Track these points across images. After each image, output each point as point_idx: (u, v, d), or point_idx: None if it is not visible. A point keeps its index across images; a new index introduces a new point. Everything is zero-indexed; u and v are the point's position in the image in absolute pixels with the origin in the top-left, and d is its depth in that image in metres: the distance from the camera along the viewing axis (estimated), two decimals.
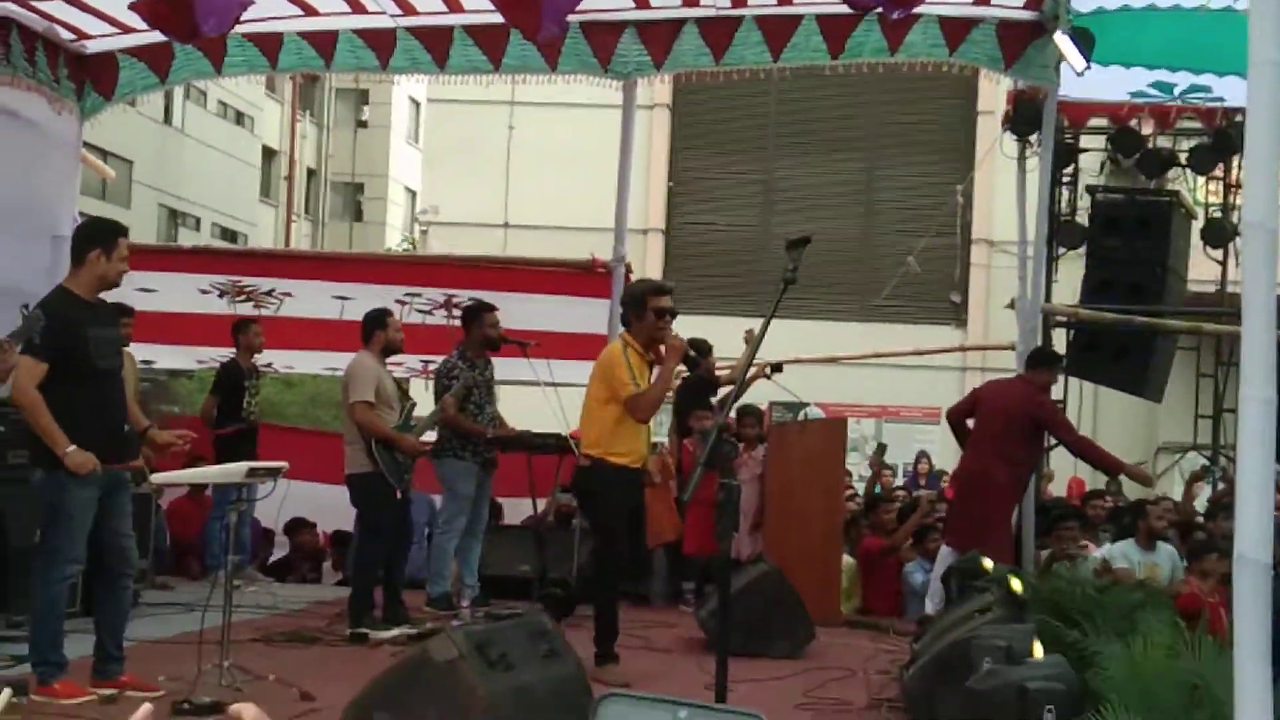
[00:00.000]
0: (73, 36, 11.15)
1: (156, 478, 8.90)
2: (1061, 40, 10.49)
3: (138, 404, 8.85)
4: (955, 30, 10.94)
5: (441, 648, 5.55)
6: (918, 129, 26.90)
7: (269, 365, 13.63)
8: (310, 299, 13.28)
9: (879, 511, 12.62)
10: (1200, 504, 14.02)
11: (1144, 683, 5.73)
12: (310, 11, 10.94)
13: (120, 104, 11.93)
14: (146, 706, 1.33)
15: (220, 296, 12.98)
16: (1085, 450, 10.85)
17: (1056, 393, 13.61)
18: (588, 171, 21.89)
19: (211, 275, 13.07)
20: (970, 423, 10.78)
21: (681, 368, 12.47)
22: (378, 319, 9.74)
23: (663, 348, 8.28)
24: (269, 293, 12.80)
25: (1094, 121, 14.15)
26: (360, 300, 10.68)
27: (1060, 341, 13.93)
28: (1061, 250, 14.21)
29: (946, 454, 23.70)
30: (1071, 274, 14.28)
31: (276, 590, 11.53)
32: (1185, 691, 5.72)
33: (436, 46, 11.44)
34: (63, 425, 6.58)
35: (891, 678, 8.03)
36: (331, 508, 11.85)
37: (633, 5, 11.02)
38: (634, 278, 13.31)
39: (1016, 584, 7.54)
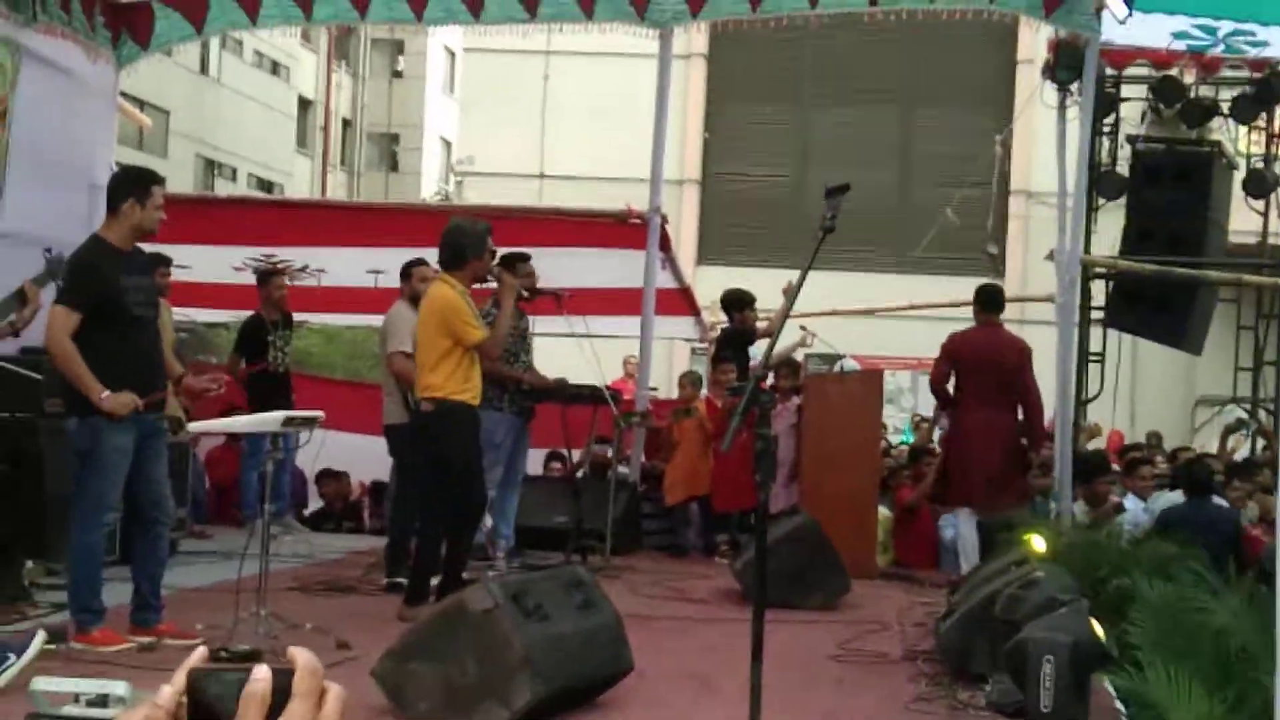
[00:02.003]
0: None
1: (193, 426, 8.91)
2: None
3: (174, 353, 8.87)
4: None
5: (478, 598, 5.55)
6: (955, 78, 26.70)
7: (303, 322, 13.65)
8: (344, 272, 13.32)
9: (920, 465, 12.56)
10: (1240, 457, 13.93)
11: (1177, 633, 5.71)
12: None
13: (157, 54, 11.93)
14: (201, 650, 1.32)
15: (254, 273, 13.00)
16: (1039, 407, 10.74)
17: (1096, 343, 13.53)
18: (623, 122, 21.86)
19: (245, 248, 13.06)
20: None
21: (722, 318, 12.49)
22: (405, 271, 9.80)
23: (497, 284, 8.56)
24: (303, 269, 12.78)
25: (1135, 70, 13.97)
26: (393, 274, 10.69)
27: (1099, 293, 13.83)
28: (1101, 201, 14.07)
29: None
30: (1111, 225, 14.14)
31: (313, 539, 11.59)
32: (1219, 640, 5.70)
33: None
34: (98, 374, 6.57)
35: (927, 630, 8.01)
36: (369, 458, 11.88)
37: None
38: (670, 229, 13.27)
39: (1042, 543, 7.54)
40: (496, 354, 8.41)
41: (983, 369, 10.39)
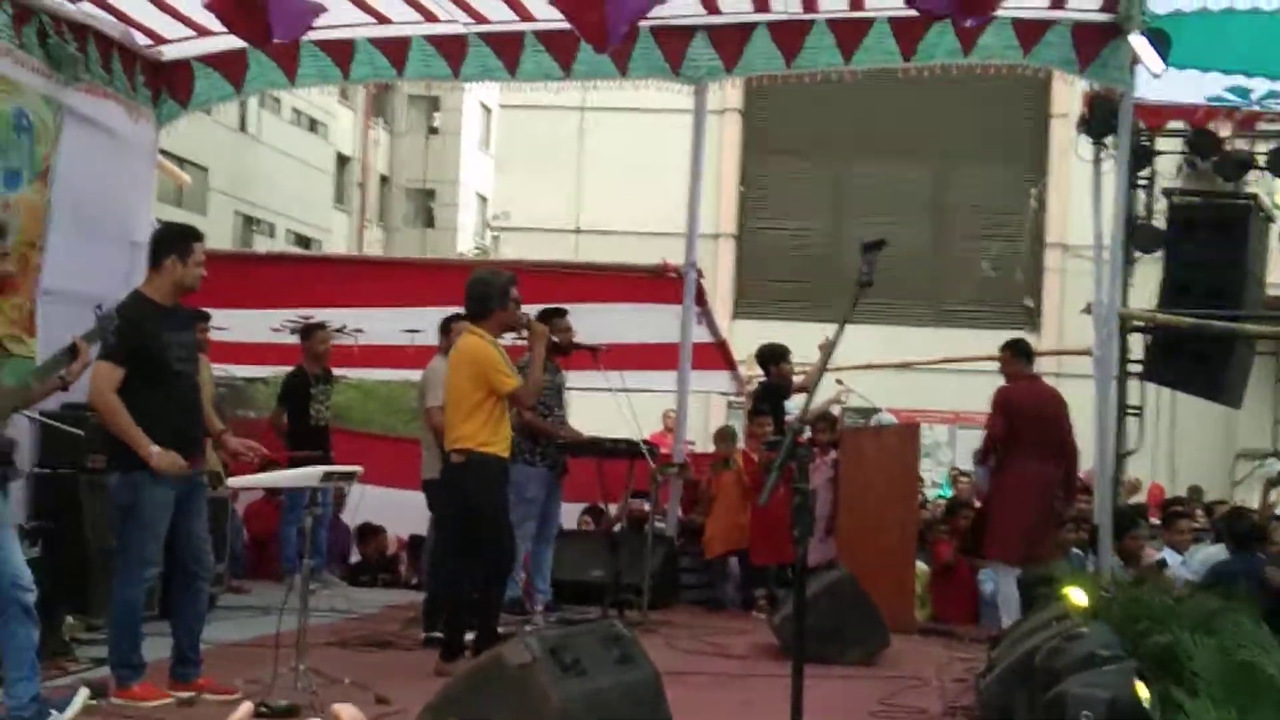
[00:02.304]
0: (149, 42, 11.28)
1: (233, 481, 8.96)
2: (1137, 41, 10.38)
3: (214, 408, 8.92)
4: (1030, 32, 10.86)
5: (515, 652, 5.54)
6: (989, 132, 26.70)
7: (344, 377, 13.73)
8: (381, 330, 13.40)
9: (957, 518, 12.50)
10: None
11: (1232, 678, 5.63)
12: (382, 19, 11.02)
13: (196, 112, 12.07)
14: (247, 705, 1.34)
15: (291, 333, 13.09)
16: (1076, 459, 10.86)
17: (1134, 397, 13.48)
18: (659, 176, 21.96)
19: (282, 310, 13.16)
20: None
21: (758, 372, 12.49)
22: (444, 326, 9.88)
23: (525, 333, 8.43)
24: (341, 329, 12.84)
25: (1170, 124, 13.96)
26: (430, 333, 10.73)
27: (1137, 346, 13.77)
28: (1138, 254, 14.02)
29: None
30: (1148, 278, 14.07)
31: (350, 594, 11.61)
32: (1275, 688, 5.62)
33: (508, 53, 11.47)
34: (140, 427, 6.62)
35: (967, 686, 7.95)
36: (407, 513, 11.92)
37: (703, 11, 11.00)
38: (705, 283, 13.30)
39: (1083, 597, 7.48)
40: (531, 403, 8.41)
41: (1033, 422, 10.57)
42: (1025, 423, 10.60)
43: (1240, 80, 12.07)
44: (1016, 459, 10.58)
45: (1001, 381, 10.96)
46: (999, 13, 10.21)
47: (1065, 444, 10.61)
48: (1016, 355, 10.96)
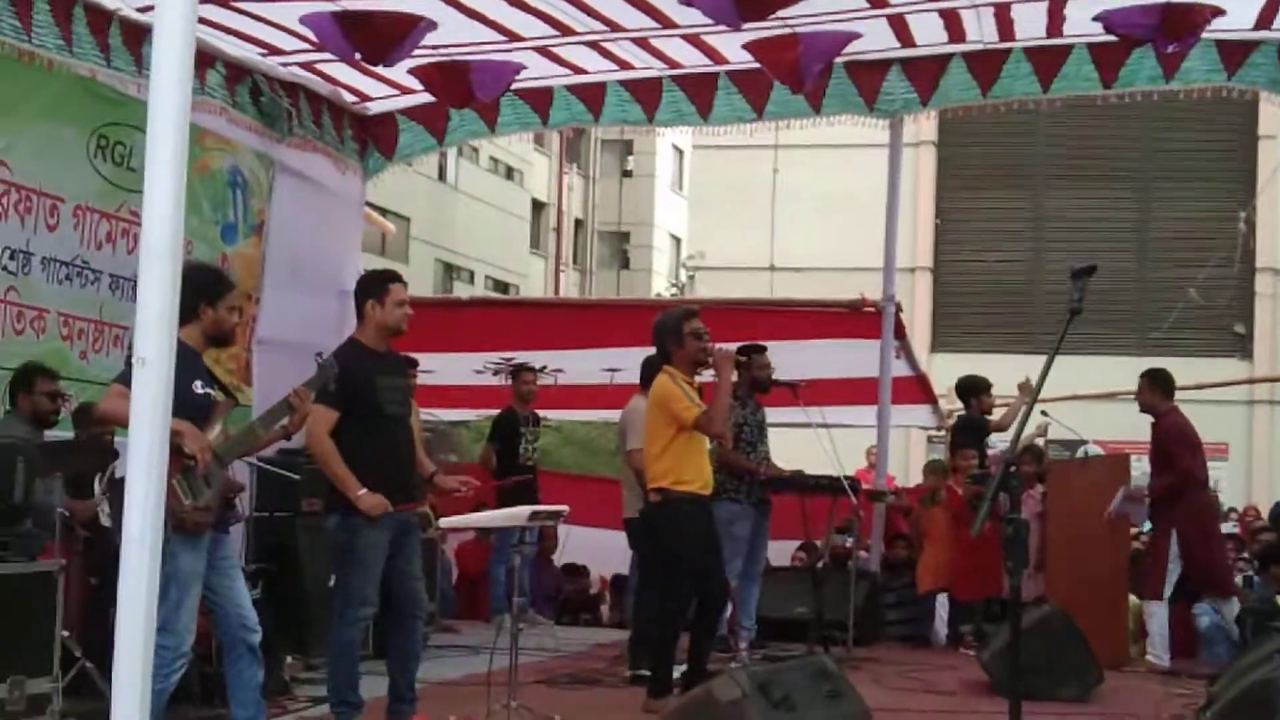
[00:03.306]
0: (355, 99, 11.64)
1: (443, 522, 9.11)
2: None
3: (424, 451, 9.12)
4: (1234, 53, 10.58)
5: (725, 688, 5.58)
6: (1193, 156, 26.14)
7: (546, 419, 13.91)
8: (581, 369, 13.55)
9: None
10: None
11: None
12: (579, 71, 11.20)
13: (399, 163, 12.41)
14: None
15: (495, 375, 13.31)
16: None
17: None
18: (852, 212, 21.91)
19: (484, 354, 13.42)
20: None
21: (959, 406, 12.36)
22: (651, 363, 9.92)
23: (712, 362, 8.28)
24: (541, 369, 13.04)
25: None
26: (629, 371, 10.81)
27: None
28: None
29: (1234, 490, 22.88)
30: None
31: (558, 633, 11.73)
32: None
33: (701, 96, 11.55)
34: (354, 470, 6.79)
35: None
36: (610, 552, 12.03)
37: (898, 44, 10.95)
38: (904, 317, 13.21)
39: None
40: (718, 430, 8.26)
41: (1198, 451, 10.47)
42: (1198, 453, 10.50)
43: None
44: (1200, 491, 10.39)
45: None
46: (1201, 34, 10.00)
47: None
48: (1161, 386, 10.71)
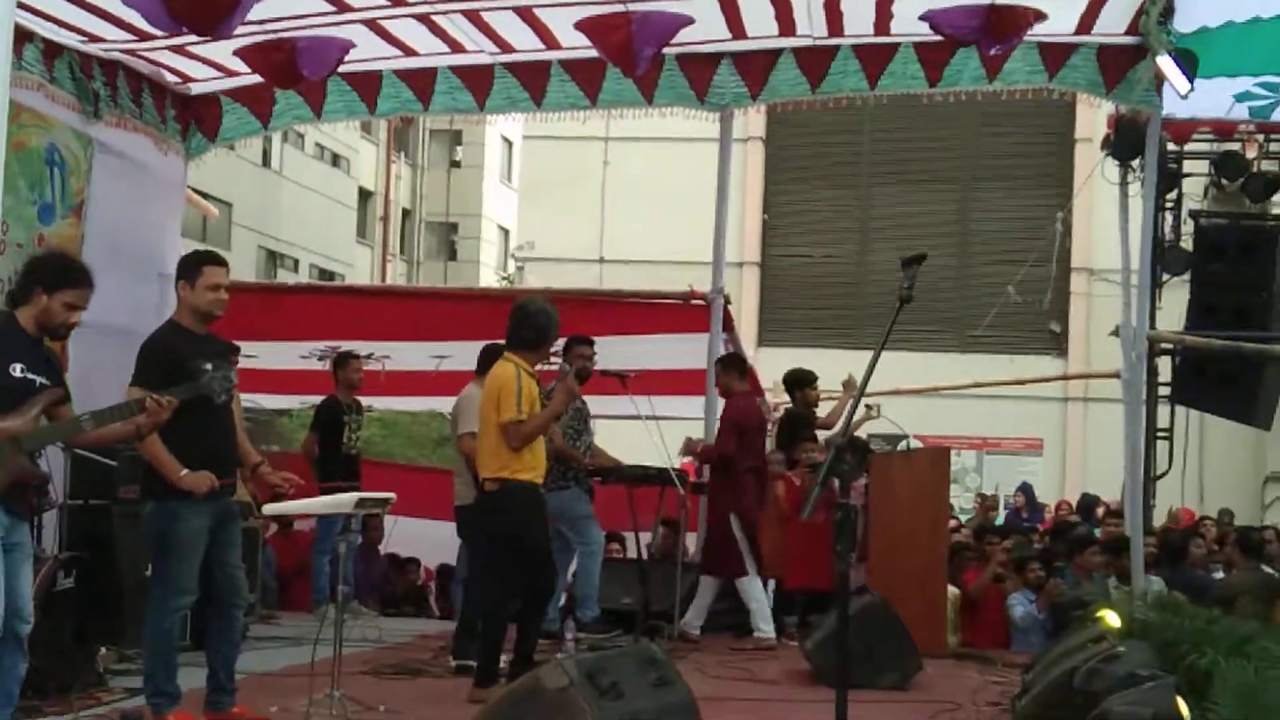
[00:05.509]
0: (178, 80, 11.37)
1: (267, 508, 8.92)
2: (1164, 63, 10.36)
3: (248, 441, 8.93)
4: (1055, 56, 10.86)
5: (552, 675, 5.54)
6: (1013, 157, 26.77)
7: (370, 408, 13.73)
8: (408, 358, 13.40)
9: (985, 544, 12.44)
10: None
11: (1263, 704, 5.61)
12: (409, 52, 11.07)
13: (221, 147, 12.14)
14: None
15: (320, 360, 13.10)
16: None
17: (1163, 419, 13.42)
18: (682, 205, 21.98)
19: (310, 342, 13.21)
20: None
21: (785, 399, 12.48)
22: (490, 351, 9.84)
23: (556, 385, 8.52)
24: (368, 356, 12.86)
25: (1197, 146, 13.94)
26: (457, 359, 10.68)
27: (1165, 369, 13.75)
28: (1165, 276, 14.02)
29: (1049, 484, 23.48)
30: (1176, 301, 14.08)
31: (382, 623, 11.59)
32: None
33: (534, 84, 11.51)
34: (174, 453, 6.61)
35: (1002, 709, 7.91)
36: (436, 544, 11.92)
37: (729, 35, 11.02)
38: (731, 311, 13.29)
39: (1117, 619, 7.45)
40: (516, 445, 7.99)
41: (754, 438, 10.95)
42: (753, 438, 10.86)
43: (1270, 78, 11.89)
44: (744, 474, 10.73)
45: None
46: (1024, 37, 10.23)
47: None
48: (728, 368, 11.12)
